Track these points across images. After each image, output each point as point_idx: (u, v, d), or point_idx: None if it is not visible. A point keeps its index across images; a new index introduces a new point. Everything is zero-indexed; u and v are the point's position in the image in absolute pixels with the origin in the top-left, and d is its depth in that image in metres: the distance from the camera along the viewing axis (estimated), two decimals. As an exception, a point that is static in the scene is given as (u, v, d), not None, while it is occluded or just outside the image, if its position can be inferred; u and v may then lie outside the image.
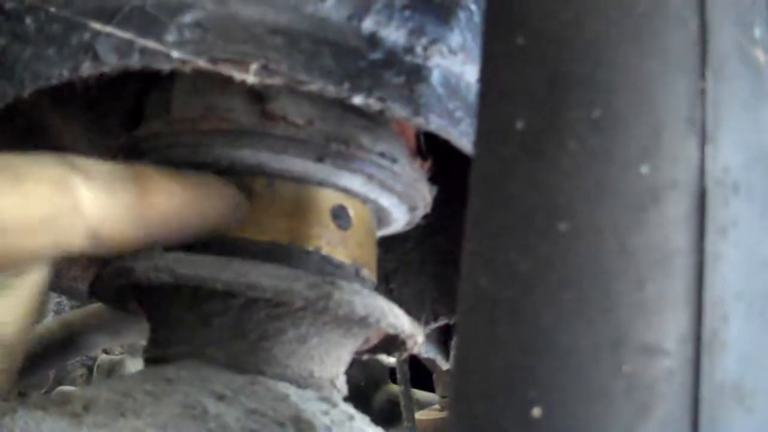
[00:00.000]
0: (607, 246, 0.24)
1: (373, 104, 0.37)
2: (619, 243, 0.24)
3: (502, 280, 0.25)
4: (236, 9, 0.37)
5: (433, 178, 0.47)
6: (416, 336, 0.45)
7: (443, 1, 0.40)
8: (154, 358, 0.42)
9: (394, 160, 0.43)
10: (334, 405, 0.40)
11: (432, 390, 1.57)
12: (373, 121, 0.42)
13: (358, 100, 0.37)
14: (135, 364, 1.49)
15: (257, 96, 0.40)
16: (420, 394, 1.61)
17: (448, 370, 0.66)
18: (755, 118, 0.26)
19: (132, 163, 0.38)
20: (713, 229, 0.24)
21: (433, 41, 0.39)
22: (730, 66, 0.25)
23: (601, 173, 0.24)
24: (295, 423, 0.37)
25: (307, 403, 0.39)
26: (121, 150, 0.44)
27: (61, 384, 1.49)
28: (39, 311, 0.39)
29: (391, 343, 0.47)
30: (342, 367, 0.44)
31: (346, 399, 0.43)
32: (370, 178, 0.42)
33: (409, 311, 0.45)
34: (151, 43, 0.36)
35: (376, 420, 0.42)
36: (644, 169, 0.24)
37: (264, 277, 0.39)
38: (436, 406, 1.54)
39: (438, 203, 0.48)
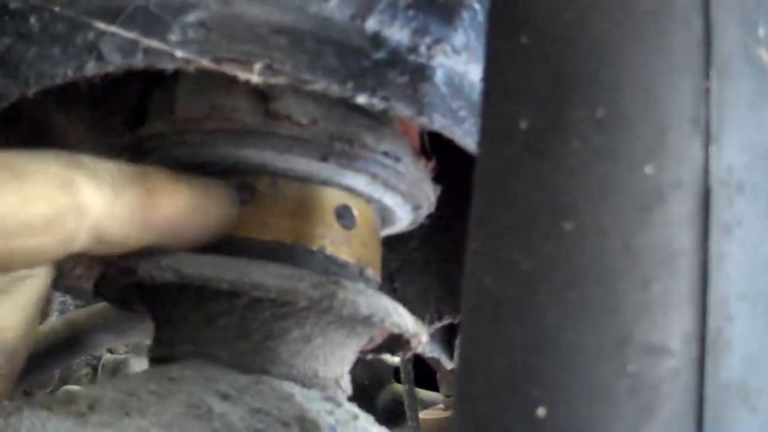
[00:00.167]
0: (612, 245, 0.24)
1: (377, 104, 0.37)
2: (624, 242, 0.24)
3: (506, 279, 0.25)
4: (240, 9, 0.37)
5: (437, 178, 0.47)
6: (420, 335, 0.45)
7: (447, 1, 0.40)
8: (158, 357, 0.43)
9: (398, 160, 0.43)
10: (339, 404, 0.40)
11: (436, 389, 1.57)
12: (377, 120, 0.42)
13: (362, 99, 0.37)
14: (140, 364, 1.49)
15: (261, 95, 0.40)
16: (424, 394, 1.61)
17: (452, 370, 0.66)
18: (760, 117, 0.26)
19: (136, 163, 0.38)
20: (718, 228, 0.24)
21: (437, 41, 0.39)
22: (735, 66, 0.25)
23: (605, 173, 0.24)
24: (300, 422, 0.37)
25: (312, 403, 0.39)
26: (124, 149, 0.44)
27: (66, 383, 1.49)
28: (41, 315, 0.39)
29: (396, 342, 0.47)
30: (346, 367, 0.44)
31: (350, 398, 0.43)
32: (374, 177, 0.42)
33: (413, 310, 0.45)
34: (155, 43, 0.36)
35: (380, 419, 0.42)
36: (649, 169, 0.24)
37: (268, 276, 0.39)
38: (440, 406, 1.53)
39: (442, 202, 0.48)
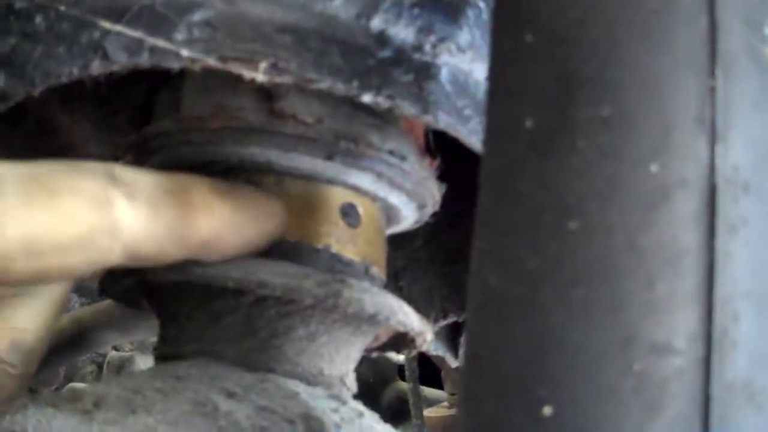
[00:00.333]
0: (617, 244, 0.24)
1: (382, 102, 0.37)
2: (629, 241, 0.24)
3: (511, 278, 0.25)
4: (245, 7, 0.37)
5: (442, 176, 0.47)
6: (426, 333, 0.45)
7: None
8: (164, 355, 0.43)
9: (403, 158, 0.43)
10: (344, 402, 0.40)
11: (440, 387, 1.57)
12: (382, 119, 0.42)
13: (367, 98, 0.37)
14: (145, 361, 1.49)
15: (266, 94, 0.40)
16: (428, 392, 1.61)
17: (456, 368, 0.66)
18: (765, 116, 0.25)
19: (176, 174, 0.37)
20: (723, 227, 0.24)
21: (442, 39, 0.39)
22: (740, 64, 0.25)
23: (610, 172, 0.24)
24: (305, 420, 0.37)
25: (317, 401, 0.39)
26: (130, 148, 0.44)
27: (71, 380, 1.50)
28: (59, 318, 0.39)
29: (401, 340, 0.47)
30: (351, 365, 0.44)
31: (355, 396, 0.43)
32: (379, 176, 0.42)
33: (418, 309, 0.45)
34: (160, 42, 0.36)
35: (385, 417, 0.42)
36: (654, 168, 0.24)
37: (273, 274, 0.39)
38: (445, 404, 1.54)
39: (446, 201, 0.48)
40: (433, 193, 0.46)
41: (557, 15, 0.26)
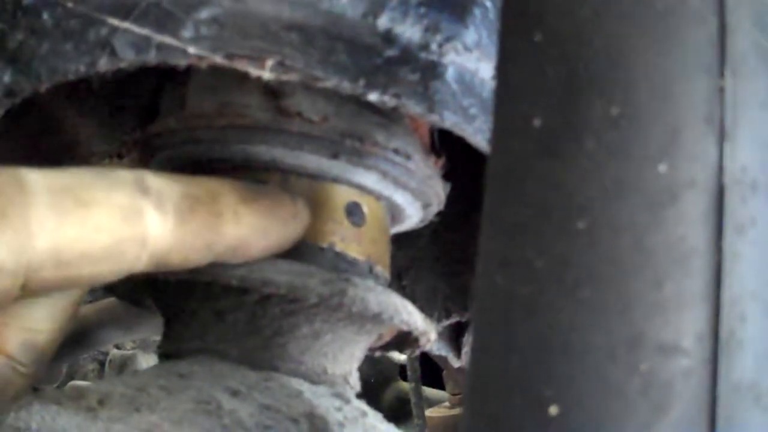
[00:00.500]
0: (625, 244, 0.24)
1: (389, 101, 0.37)
2: (637, 241, 0.24)
3: (518, 277, 0.25)
4: (252, 5, 0.37)
5: (447, 175, 0.47)
6: (429, 333, 0.45)
7: (459, -2, 0.40)
8: (168, 353, 0.43)
9: (408, 157, 0.43)
10: (348, 401, 0.40)
11: (442, 387, 1.57)
12: (388, 117, 0.42)
13: (373, 96, 0.37)
14: (147, 360, 1.49)
15: (272, 92, 0.40)
16: (430, 392, 1.61)
17: (459, 368, 0.66)
18: (774, 117, 0.25)
19: (204, 180, 0.37)
20: (731, 227, 0.24)
21: (449, 38, 0.39)
22: (749, 65, 0.25)
23: (618, 171, 0.24)
24: (309, 419, 0.37)
25: (321, 400, 0.39)
26: (135, 146, 0.44)
27: (72, 378, 1.50)
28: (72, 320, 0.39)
29: (404, 340, 0.47)
30: (355, 364, 0.44)
31: (357, 396, 0.43)
32: (384, 174, 0.42)
33: (422, 308, 0.45)
34: (167, 39, 0.36)
35: (386, 417, 0.42)
36: (662, 168, 0.24)
37: (278, 273, 0.39)
38: (446, 404, 1.54)
39: (451, 200, 0.48)
40: (438, 192, 0.46)
41: (566, 15, 0.26)
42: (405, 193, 0.45)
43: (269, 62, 0.36)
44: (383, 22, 0.38)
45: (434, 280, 0.59)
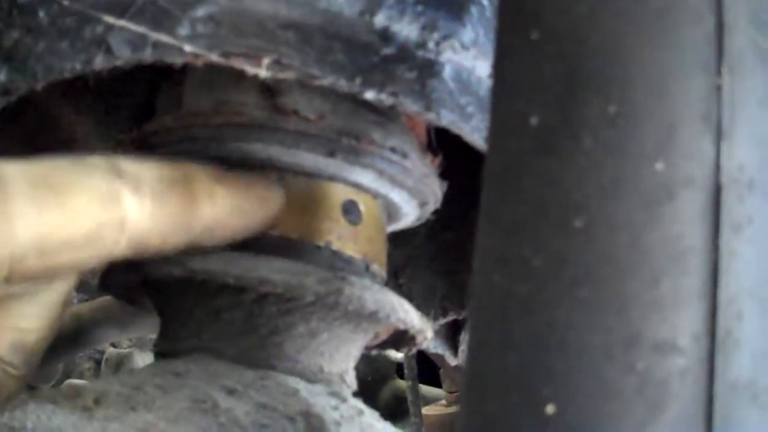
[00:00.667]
0: (622, 242, 0.24)
1: (385, 99, 0.37)
2: (634, 240, 0.24)
3: (515, 276, 0.25)
4: (249, 3, 0.37)
5: (443, 174, 0.47)
6: (426, 331, 0.45)
7: (455, -3, 0.40)
8: (164, 352, 0.43)
9: (405, 156, 0.43)
10: (344, 400, 0.40)
11: (438, 385, 1.57)
12: (385, 116, 0.42)
13: (370, 95, 0.37)
14: (143, 358, 1.49)
15: (269, 90, 0.40)
16: (426, 390, 1.61)
17: (455, 366, 0.66)
18: (771, 115, 0.25)
19: (179, 163, 0.37)
20: (728, 226, 0.24)
21: (446, 36, 0.39)
22: (747, 63, 0.25)
23: (615, 169, 0.24)
24: (305, 418, 0.37)
25: (317, 398, 0.39)
26: (131, 144, 0.44)
27: (68, 377, 1.50)
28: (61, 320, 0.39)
29: (401, 338, 0.47)
30: (352, 362, 0.44)
31: (353, 394, 0.43)
32: (381, 173, 0.42)
33: (419, 306, 0.45)
34: (163, 37, 0.36)
35: (383, 415, 0.42)
36: (659, 166, 0.24)
37: (274, 271, 0.39)
38: (443, 402, 1.54)
39: (447, 198, 0.48)
40: (435, 190, 0.46)
41: (563, 12, 0.26)
42: (402, 192, 0.45)
43: (266, 60, 0.36)
44: (380, 20, 0.38)
45: (431, 278, 0.59)
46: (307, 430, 0.36)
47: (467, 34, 0.40)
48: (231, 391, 0.37)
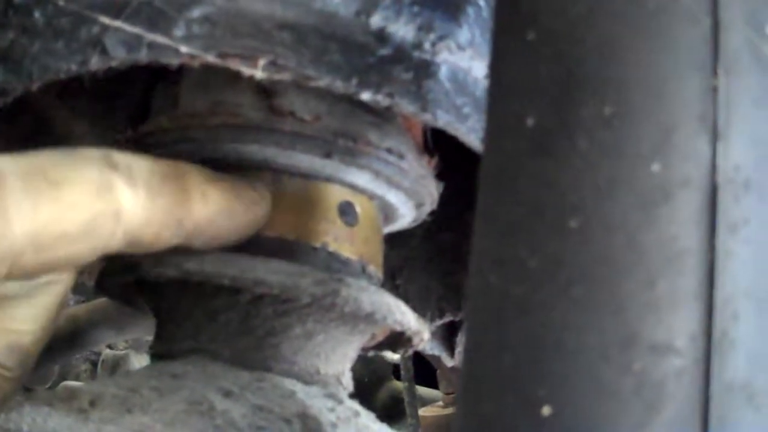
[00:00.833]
0: (618, 243, 0.24)
1: (382, 100, 0.37)
2: (630, 240, 0.24)
3: (511, 276, 0.25)
4: (245, 4, 0.37)
5: (440, 175, 0.47)
6: (422, 333, 0.45)
7: (451, -3, 0.40)
8: (160, 353, 0.43)
9: (401, 157, 0.43)
10: (340, 402, 0.40)
11: (436, 387, 1.57)
12: (381, 117, 0.42)
13: (366, 96, 0.37)
14: (139, 360, 1.49)
15: (265, 91, 0.40)
16: (423, 391, 1.61)
17: (452, 367, 0.66)
18: (767, 115, 0.25)
19: (169, 160, 0.37)
20: (724, 226, 0.24)
21: (442, 37, 0.39)
22: (742, 63, 0.25)
23: (612, 170, 0.24)
24: (302, 419, 0.37)
25: (314, 400, 0.39)
26: (127, 144, 0.44)
27: (65, 379, 1.49)
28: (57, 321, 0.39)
29: (397, 339, 0.47)
30: (348, 364, 0.44)
31: (350, 395, 0.43)
32: (377, 174, 0.42)
33: (415, 308, 0.44)
34: (159, 38, 0.36)
35: (379, 417, 0.42)
36: (655, 167, 0.24)
37: (270, 273, 0.39)
38: (440, 403, 1.54)
39: (444, 200, 0.48)
40: (431, 191, 0.46)
41: (559, 13, 0.26)
42: (398, 193, 0.45)
43: (261, 61, 0.36)
44: (376, 20, 0.38)
45: (427, 279, 0.59)
46: (303, 431, 0.36)
47: (463, 34, 0.40)
48: (227, 393, 0.37)
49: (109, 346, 1.52)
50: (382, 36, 0.38)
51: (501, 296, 0.25)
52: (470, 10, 0.40)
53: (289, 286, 0.38)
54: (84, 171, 0.33)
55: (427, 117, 0.38)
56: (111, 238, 0.34)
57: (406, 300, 0.44)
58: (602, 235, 0.24)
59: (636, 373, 0.23)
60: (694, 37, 0.25)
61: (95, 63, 0.36)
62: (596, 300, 0.24)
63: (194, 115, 0.41)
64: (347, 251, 0.43)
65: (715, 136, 0.24)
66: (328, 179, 0.43)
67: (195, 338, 0.41)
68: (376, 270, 0.44)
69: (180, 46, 0.36)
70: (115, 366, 1.50)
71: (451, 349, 0.62)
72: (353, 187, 0.43)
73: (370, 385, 1.73)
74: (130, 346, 1.53)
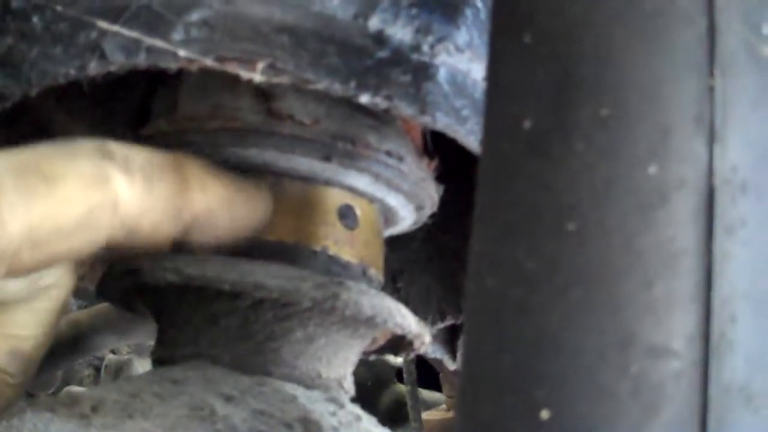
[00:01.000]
0: (615, 246, 0.24)
1: (380, 103, 0.37)
2: (627, 242, 0.24)
3: (509, 279, 0.25)
4: (243, 7, 0.37)
5: (440, 177, 0.47)
6: (423, 336, 0.45)
7: (450, -1, 0.40)
8: (161, 358, 0.42)
9: (400, 159, 0.43)
10: (342, 406, 0.40)
11: (439, 390, 1.57)
12: (380, 119, 0.42)
13: (365, 98, 0.37)
14: (142, 365, 1.49)
15: (264, 95, 0.40)
16: (427, 394, 1.61)
17: (454, 371, 0.65)
18: (763, 116, 0.25)
19: (167, 152, 0.37)
20: (721, 228, 0.24)
21: (440, 39, 0.39)
22: (739, 64, 0.25)
23: (608, 172, 0.24)
24: (303, 424, 0.37)
25: (315, 404, 0.39)
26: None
27: (68, 384, 1.49)
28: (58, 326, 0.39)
29: (399, 343, 0.47)
30: (349, 368, 0.44)
31: (353, 399, 0.43)
32: (377, 177, 0.42)
33: (416, 311, 0.44)
34: (158, 42, 0.36)
35: (383, 420, 0.42)
36: (652, 169, 0.24)
37: (271, 277, 0.39)
38: (443, 406, 1.53)
39: (444, 202, 0.47)
40: (431, 194, 0.46)
41: (556, 15, 0.26)
42: (398, 196, 0.45)
43: (260, 65, 0.36)
44: (374, 23, 0.38)
45: (428, 282, 0.59)
46: (304, 436, 0.36)
47: (462, 36, 0.40)
48: (228, 398, 0.37)
49: (112, 351, 1.53)
50: (380, 38, 0.38)
51: (499, 298, 0.25)
52: (468, 12, 0.40)
53: (289, 290, 0.38)
54: (78, 164, 0.33)
55: (426, 119, 0.38)
56: (109, 229, 0.34)
57: (407, 303, 0.44)
58: (599, 236, 0.24)
59: (634, 375, 0.23)
60: (691, 38, 0.25)
61: (94, 68, 0.36)
62: (594, 302, 0.24)
63: (193, 119, 0.41)
64: (347, 255, 0.43)
65: (711, 138, 0.24)
66: (328, 182, 0.42)
67: (196, 343, 0.41)
68: (376, 273, 0.44)
69: (178, 50, 0.36)
70: (118, 371, 1.50)
71: (452, 352, 0.62)
72: (353, 191, 0.43)
73: (373, 389, 1.73)
74: (133, 351, 1.53)
